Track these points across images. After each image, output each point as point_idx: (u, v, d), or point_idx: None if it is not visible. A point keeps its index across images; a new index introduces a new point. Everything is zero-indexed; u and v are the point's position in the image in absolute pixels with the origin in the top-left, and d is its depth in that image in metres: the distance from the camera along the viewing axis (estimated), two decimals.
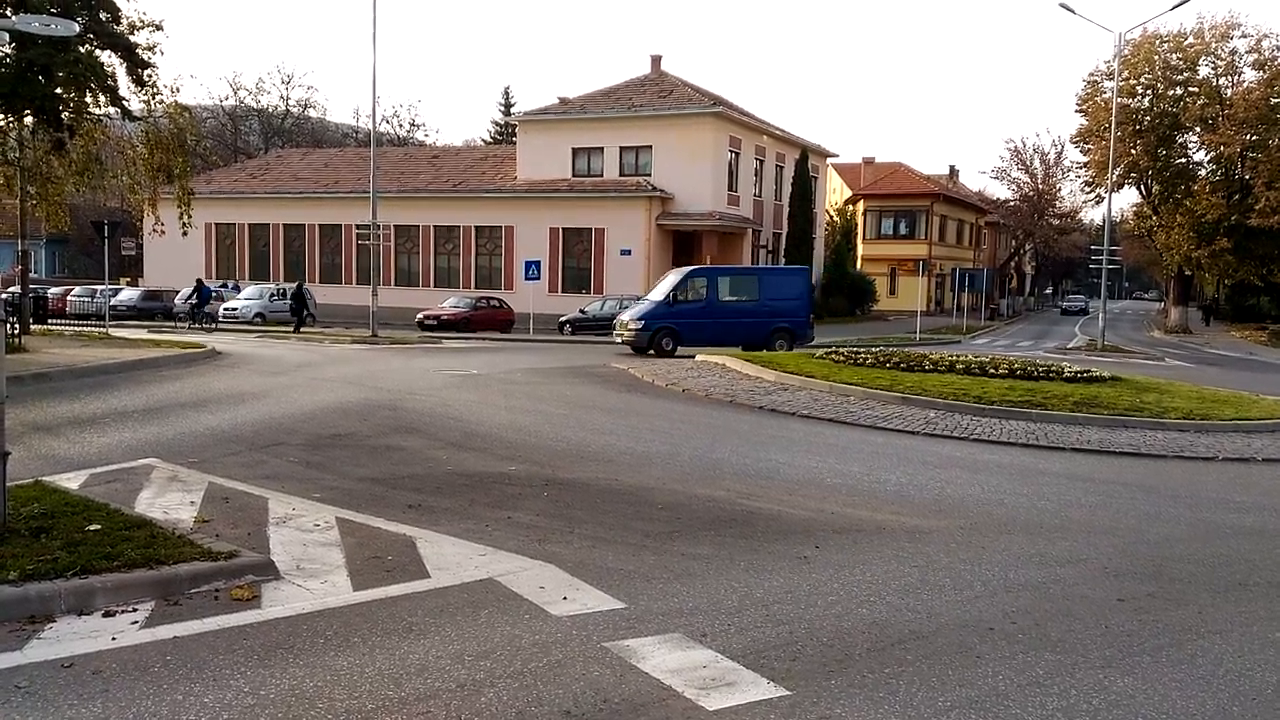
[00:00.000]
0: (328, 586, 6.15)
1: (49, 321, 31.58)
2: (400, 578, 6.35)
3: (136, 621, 5.44)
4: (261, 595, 5.94)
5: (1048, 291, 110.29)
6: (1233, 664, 5.44)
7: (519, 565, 6.65)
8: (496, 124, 75.45)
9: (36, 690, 4.59)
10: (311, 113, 75.79)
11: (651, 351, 25.67)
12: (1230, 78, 49.44)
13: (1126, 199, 72.28)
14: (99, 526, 6.64)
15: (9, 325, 21.06)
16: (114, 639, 5.18)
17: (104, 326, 29.04)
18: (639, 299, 30.13)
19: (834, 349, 22.03)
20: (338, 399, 14.62)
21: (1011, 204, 73.51)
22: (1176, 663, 5.43)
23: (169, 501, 8.01)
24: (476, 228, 45.58)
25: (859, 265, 60.82)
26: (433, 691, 4.66)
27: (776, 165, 49.48)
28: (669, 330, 26.24)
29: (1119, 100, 42.62)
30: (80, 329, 29.03)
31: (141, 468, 9.35)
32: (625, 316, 27.81)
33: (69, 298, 39.66)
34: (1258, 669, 5.39)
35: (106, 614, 5.51)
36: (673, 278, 28.00)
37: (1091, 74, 53.51)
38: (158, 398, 14.42)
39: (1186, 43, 48.93)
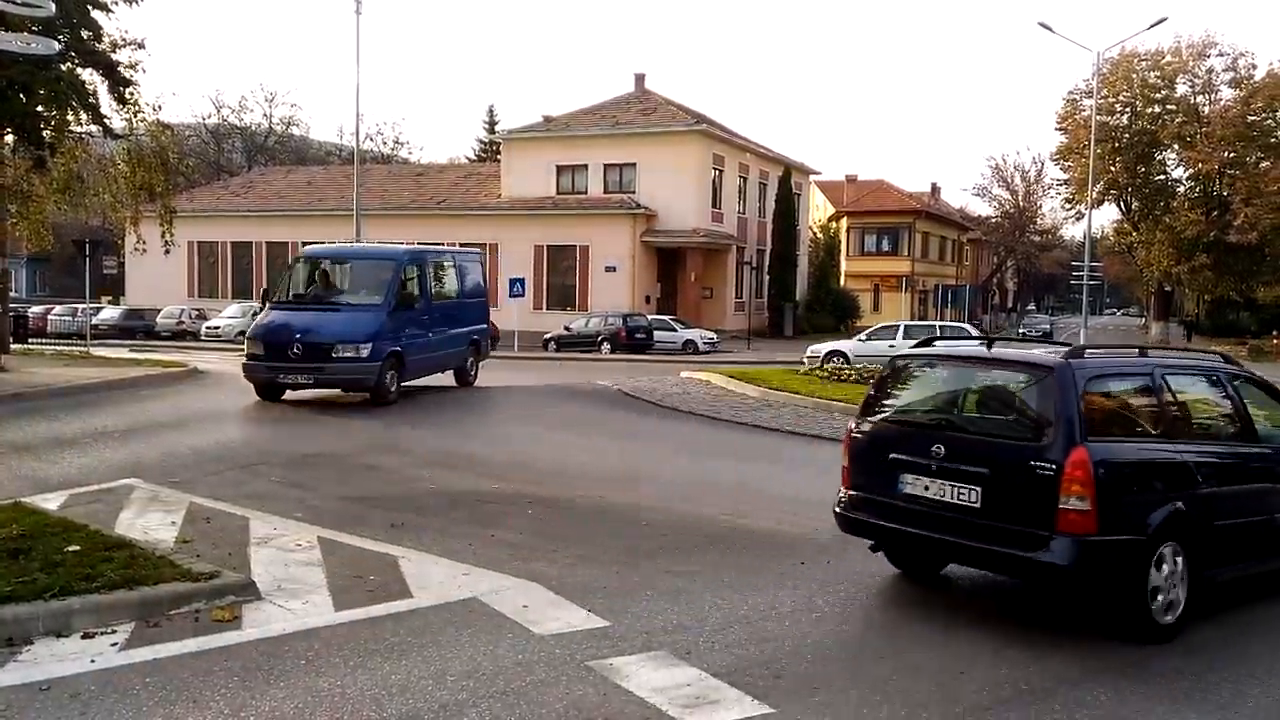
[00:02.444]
0: (309, 606, 6.11)
1: (29, 341, 31.30)
2: (382, 597, 6.31)
3: (116, 643, 5.38)
4: (242, 616, 5.89)
5: (1030, 307, 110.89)
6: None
7: (502, 584, 6.62)
8: (481, 142, 75.32)
9: (13, 714, 4.54)
10: (295, 130, 75.38)
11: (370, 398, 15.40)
12: (1207, 96, 50.04)
13: (1106, 215, 72.91)
14: (78, 547, 6.57)
15: None
16: (93, 661, 5.13)
17: (85, 345, 28.84)
18: (277, 304, 16.46)
19: (818, 365, 22.10)
20: (318, 417, 14.55)
21: (993, 221, 74.10)
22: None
23: (149, 522, 7.94)
24: (461, 244, 45.48)
25: (843, 282, 61.06)
26: (414, 712, 4.64)
27: (760, 183, 49.70)
28: (397, 358, 15.71)
29: (1098, 118, 43.10)
30: (61, 348, 28.80)
31: (122, 488, 9.27)
32: (250, 333, 16.20)
33: (50, 316, 39.39)
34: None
35: (85, 635, 5.44)
36: (383, 267, 16.62)
37: (1071, 92, 53.98)
38: (139, 417, 14.30)
39: (1164, 61, 49.49)
